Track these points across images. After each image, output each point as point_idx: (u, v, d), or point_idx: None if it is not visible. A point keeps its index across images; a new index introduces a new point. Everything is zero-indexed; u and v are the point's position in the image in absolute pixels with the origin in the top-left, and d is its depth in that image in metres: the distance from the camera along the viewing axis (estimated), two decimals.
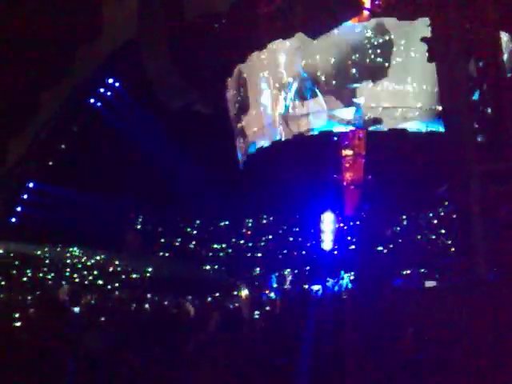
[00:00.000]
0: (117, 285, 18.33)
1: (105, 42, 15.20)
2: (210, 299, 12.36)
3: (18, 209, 17.77)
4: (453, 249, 14.46)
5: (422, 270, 16.02)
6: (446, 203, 13.81)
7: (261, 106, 14.69)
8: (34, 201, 17.60)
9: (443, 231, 16.47)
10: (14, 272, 18.07)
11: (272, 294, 14.66)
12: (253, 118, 14.95)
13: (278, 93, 14.30)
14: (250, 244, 19.03)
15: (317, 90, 13.66)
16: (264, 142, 14.91)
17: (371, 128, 13.77)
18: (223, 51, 14.76)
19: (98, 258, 18.97)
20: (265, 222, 19.07)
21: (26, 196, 17.85)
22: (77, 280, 18.71)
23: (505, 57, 12.41)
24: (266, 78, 14.44)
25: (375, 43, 13.06)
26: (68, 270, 19.16)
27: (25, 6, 13.09)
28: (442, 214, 16.29)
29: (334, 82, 13.52)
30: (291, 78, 14.10)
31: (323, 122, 14.03)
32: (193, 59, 15.01)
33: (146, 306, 10.67)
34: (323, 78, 13.52)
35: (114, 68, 17.26)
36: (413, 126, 13.44)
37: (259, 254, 18.71)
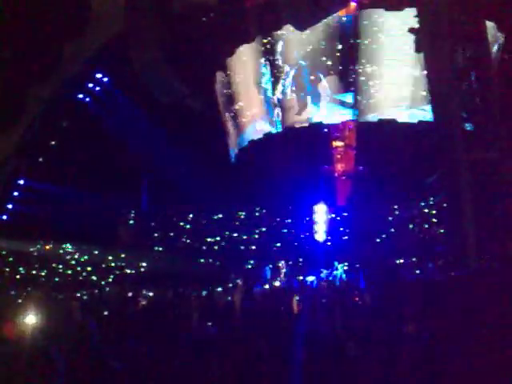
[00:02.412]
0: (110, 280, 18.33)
1: (93, 36, 15.07)
2: (205, 293, 12.40)
3: (9, 206, 17.66)
4: (444, 237, 14.63)
5: (415, 259, 16.18)
6: (437, 192, 13.98)
7: (261, 89, 14.92)
8: (25, 198, 17.50)
9: (435, 220, 16.62)
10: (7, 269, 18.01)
11: (266, 286, 14.74)
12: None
13: (275, 79, 14.63)
14: (244, 237, 19.07)
15: (321, 75, 13.85)
16: (263, 124, 15.07)
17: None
18: (212, 44, 14.73)
19: (91, 253, 18.92)
20: (258, 214, 19.12)
21: (16, 193, 17.74)
22: (70, 278, 18.67)
23: (494, 48, 12.57)
24: (265, 63, 14.76)
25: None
26: (61, 266, 19.09)
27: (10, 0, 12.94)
28: (433, 203, 16.44)
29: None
30: (288, 66, 14.35)
31: (323, 110, 14.37)
32: (182, 53, 14.96)
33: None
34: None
35: (102, 63, 17.12)
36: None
37: (253, 247, 18.77)
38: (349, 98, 14.19)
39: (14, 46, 13.23)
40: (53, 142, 18.18)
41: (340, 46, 13.82)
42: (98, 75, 17.94)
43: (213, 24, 14.78)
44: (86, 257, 19.11)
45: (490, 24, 11.04)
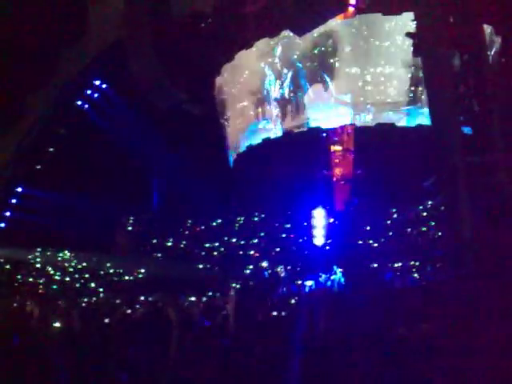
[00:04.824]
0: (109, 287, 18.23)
1: (91, 42, 15.10)
2: (204, 299, 12.36)
3: (7, 213, 17.61)
4: (442, 241, 14.66)
5: (413, 263, 16.16)
6: (435, 195, 14.04)
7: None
8: (23, 205, 17.46)
9: (433, 223, 16.63)
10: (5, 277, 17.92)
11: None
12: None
13: (275, 80, 14.89)
14: (243, 242, 19.04)
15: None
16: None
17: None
18: (210, 50, 14.80)
19: (89, 260, 18.85)
20: (256, 219, 19.10)
21: (14, 200, 17.70)
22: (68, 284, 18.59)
23: (492, 51, 12.64)
24: (265, 65, 15.03)
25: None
26: (59, 273, 19.01)
27: (8, 6, 12.95)
28: (431, 206, 16.46)
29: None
30: (286, 68, 14.53)
31: (322, 112, 14.61)
32: (180, 59, 15.00)
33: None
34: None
35: (100, 69, 17.16)
36: None
37: (252, 252, 18.73)
38: (348, 98, 14.43)
39: (12, 53, 13.23)
40: (51, 149, 18.17)
41: (347, 49, 14.13)
42: (97, 82, 17.96)
43: (211, 29, 14.86)
44: (84, 263, 19.04)
45: (487, 27, 11.11)
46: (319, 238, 16.82)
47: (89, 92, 18.00)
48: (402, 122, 14.38)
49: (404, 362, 4.70)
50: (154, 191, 19.43)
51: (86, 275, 18.92)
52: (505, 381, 4.09)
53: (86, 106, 18.05)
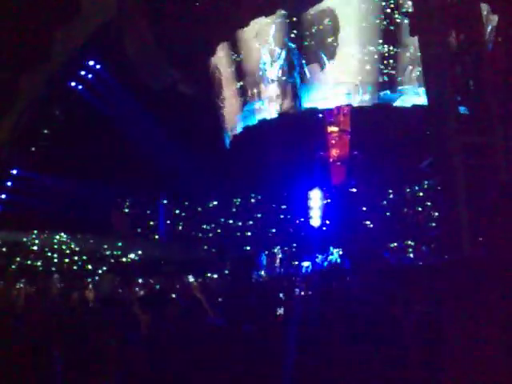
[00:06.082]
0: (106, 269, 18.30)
1: (84, 22, 14.87)
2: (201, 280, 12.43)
3: (3, 196, 17.58)
4: (438, 221, 14.73)
5: (410, 243, 16.26)
6: (431, 176, 14.07)
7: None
8: (19, 188, 17.41)
9: (429, 203, 16.68)
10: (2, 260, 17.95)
11: (262, 272, 14.80)
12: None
13: (271, 60, 14.98)
14: (240, 223, 19.10)
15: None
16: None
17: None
18: (205, 29, 14.61)
19: (86, 242, 18.88)
20: (253, 201, 19.11)
21: (10, 183, 17.65)
22: (65, 266, 18.64)
23: (488, 30, 12.52)
24: (260, 45, 15.11)
25: None
26: (56, 256, 19.05)
27: None
28: (427, 186, 16.49)
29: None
30: (279, 48, 14.53)
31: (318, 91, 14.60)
32: (174, 38, 14.81)
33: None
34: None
35: (94, 50, 16.92)
36: None
37: (249, 233, 18.80)
38: (345, 78, 14.40)
39: (3, 35, 13.04)
40: (45, 131, 18.05)
41: (344, 27, 14.09)
42: (90, 62, 17.72)
43: (206, 8, 14.64)
44: (82, 245, 19.07)
45: (483, 6, 10.98)
46: (316, 219, 16.87)
47: (82, 73, 17.77)
48: (399, 101, 14.33)
49: (399, 343, 4.73)
50: (149, 173, 19.35)
51: (84, 257, 18.98)
52: (502, 363, 4.12)
53: (80, 87, 17.85)
